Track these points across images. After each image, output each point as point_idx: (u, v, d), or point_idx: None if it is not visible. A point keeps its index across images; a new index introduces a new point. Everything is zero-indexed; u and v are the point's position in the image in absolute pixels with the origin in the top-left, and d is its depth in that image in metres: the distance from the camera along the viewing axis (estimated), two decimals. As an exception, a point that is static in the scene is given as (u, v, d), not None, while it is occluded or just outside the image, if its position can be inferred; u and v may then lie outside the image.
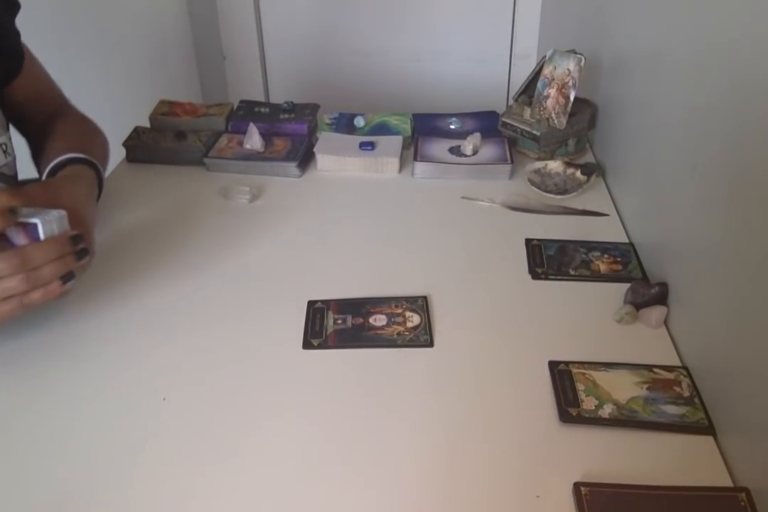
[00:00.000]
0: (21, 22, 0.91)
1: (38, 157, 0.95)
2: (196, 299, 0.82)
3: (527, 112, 1.12)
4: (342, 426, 0.65)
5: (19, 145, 0.96)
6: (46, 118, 0.98)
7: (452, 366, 0.73)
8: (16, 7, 0.91)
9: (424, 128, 1.22)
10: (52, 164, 0.85)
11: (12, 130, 0.95)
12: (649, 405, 0.66)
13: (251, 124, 1.14)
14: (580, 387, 0.68)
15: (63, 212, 0.70)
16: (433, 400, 0.68)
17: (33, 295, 0.68)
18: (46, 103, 0.99)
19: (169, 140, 1.15)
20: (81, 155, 0.87)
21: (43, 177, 0.85)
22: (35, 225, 0.68)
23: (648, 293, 0.79)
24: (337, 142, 1.16)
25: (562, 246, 0.91)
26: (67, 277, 0.69)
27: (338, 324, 0.78)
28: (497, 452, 0.62)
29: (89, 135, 0.98)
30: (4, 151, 0.88)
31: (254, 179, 1.09)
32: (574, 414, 0.65)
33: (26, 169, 1.04)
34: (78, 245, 0.70)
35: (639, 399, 0.67)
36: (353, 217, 1.00)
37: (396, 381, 0.71)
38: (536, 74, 1.13)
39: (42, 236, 0.68)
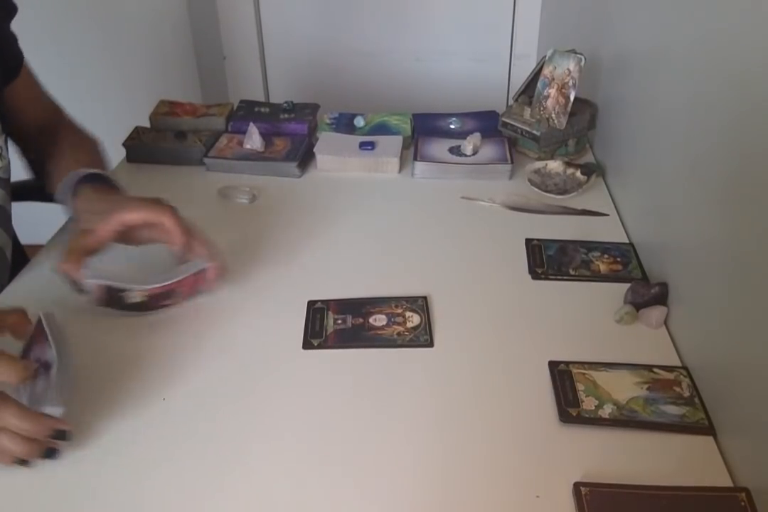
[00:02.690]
0: (20, 22, 0.91)
1: (40, 167, 0.94)
2: (195, 299, 0.82)
3: (527, 112, 1.12)
4: (342, 426, 0.65)
5: (14, 149, 0.95)
6: (41, 126, 0.97)
7: (452, 366, 0.73)
8: (13, 11, 0.90)
9: (424, 128, 1.22)
10: (76, 178, 0.83)
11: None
12: (649, 405, 0.66)
13: (251, 124, 1.14)
14: (580, 387, 0.68)
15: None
16: (432, 400, 0.68)
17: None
18: (40, 110, 0.98)
19: (169, 140, 1.15)
20: (97, 171, 0.86)
21: (66, 189, 0.83)
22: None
23: (648, 293, 0.79)
24: (337, 142, 1.16)
25: (562, 246, 0.91)
26: (48, 453, 0.60)
27: (338, 324, 0.78)
28: (497, 452, 0.62)
29: (93, 150, 0.97)
30: (0, 154, 0.88)
31: (254, 179, 1.09)
32: (574, 414, 0.65)
33: (21, 173, 1.04)
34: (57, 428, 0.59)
35: (639, 399, 0.67)
36: (353, 217, 1.00)
37: (396, 381, 0.71)
38: (536, 74, 1.13)
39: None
